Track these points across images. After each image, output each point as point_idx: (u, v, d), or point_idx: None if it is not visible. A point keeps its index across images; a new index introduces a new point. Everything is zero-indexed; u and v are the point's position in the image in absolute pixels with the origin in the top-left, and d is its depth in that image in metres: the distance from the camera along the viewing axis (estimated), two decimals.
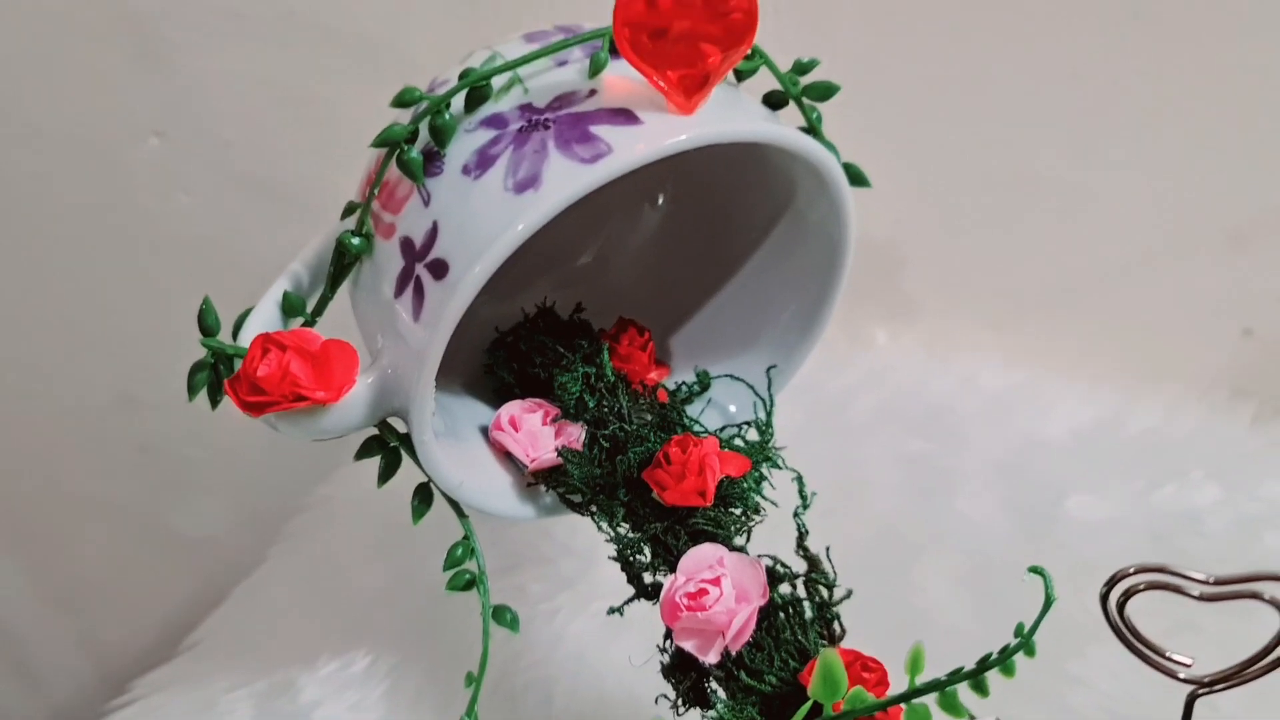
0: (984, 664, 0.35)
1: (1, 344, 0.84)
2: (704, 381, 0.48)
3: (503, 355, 0.48)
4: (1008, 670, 0.36)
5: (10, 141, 0.76)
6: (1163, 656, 0.33)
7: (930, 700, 0.35)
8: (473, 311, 0.41)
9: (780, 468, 0.44)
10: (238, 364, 0.37)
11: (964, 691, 0.35)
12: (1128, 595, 0.32)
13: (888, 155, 0.65)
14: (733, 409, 0.48)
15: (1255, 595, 0.32)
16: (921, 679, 0.34)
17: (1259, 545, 0.56)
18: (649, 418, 0.45)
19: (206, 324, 0.38)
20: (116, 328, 0.82)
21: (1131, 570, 0.32)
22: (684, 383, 0.48)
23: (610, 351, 0.47)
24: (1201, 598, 0.32)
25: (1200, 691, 0.33)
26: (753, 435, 0.46)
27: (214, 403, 0.40)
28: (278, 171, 0.72)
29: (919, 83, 0.65)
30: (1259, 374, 0.66)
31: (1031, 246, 0.67)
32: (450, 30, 0.66)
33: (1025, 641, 0.35)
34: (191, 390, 0.39)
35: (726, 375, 0.48)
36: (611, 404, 0.45)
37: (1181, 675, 0.33)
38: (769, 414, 0.47)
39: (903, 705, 0.35)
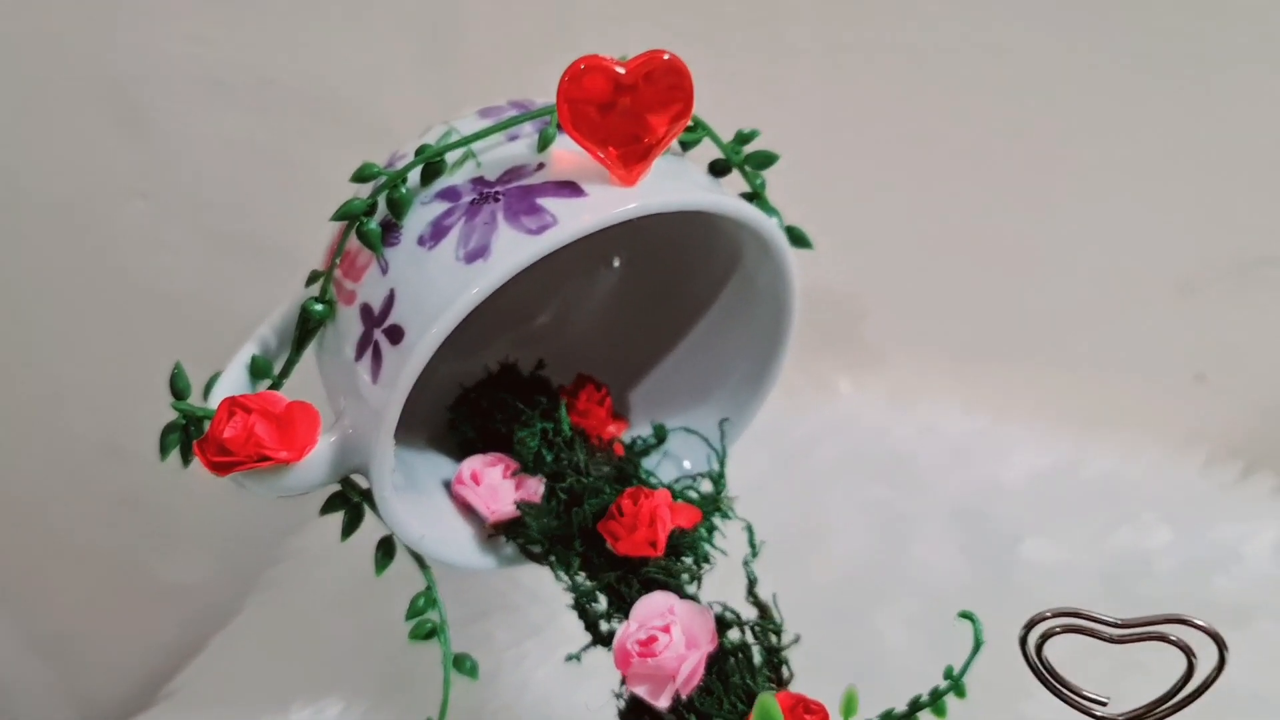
0: (915, 705, 0.37)
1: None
2: (660, 435, 0.50)
3: (466, 411, 0.50)
4: (939, 710, 0.37)
5: (1, 204, 0.78)
6: (1080, 696, 0.35)
7: None
8: (436, 369, 0.43)
9: (731, 518, 0.46)
10: (207, 425, 0.39)
11: None
12: (1045, 638, 0.34)
13: (851, 212, 0.67)
14: (687, 464, 0.50)
15: (1162, 637, 0.34)
16: None
17: (1207, 587, 0.58)
18: (606, 470, 0.47)
19: (178, 388, 0.40)
20: (102, 380, 0.84)
21: (1048, 614, 0.34)
22: (640, 436, 0.50)
23: (568, 407, 0.49)
24: (1113, 640, 0.34)
25: None
26: (707, 486, 0.48)
27: (185, 461, 0.41)
28: (257, 230, 0.74)
29: (879, 143, 0.67)
30: (1211, 418, 0.68)
31: (989, 298, 0.69)
32: (420, 95, 0.68)
33: (955, 683, 0.37)
34: (164, 450, 0.41)
35: (682, 429, 0.50)
36: (569, 457, 0.47)
37: (1098, 713, 0.34)
38: (722, 465, 0.49)
39: None
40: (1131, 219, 0.66)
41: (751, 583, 0.44)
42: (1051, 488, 0.63)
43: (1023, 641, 0.34)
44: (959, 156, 0.66)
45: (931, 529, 0.61)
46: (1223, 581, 0.58)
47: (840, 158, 0.67)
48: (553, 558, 0.45)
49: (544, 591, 0.57)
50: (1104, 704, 0.35)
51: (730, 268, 0.47)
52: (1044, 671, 0.34)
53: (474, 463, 0.47)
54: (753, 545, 0.45)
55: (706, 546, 0.45)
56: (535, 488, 0.46)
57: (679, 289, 0.50)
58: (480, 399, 0.50)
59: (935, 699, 0.37)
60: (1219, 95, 0.62)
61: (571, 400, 0.49)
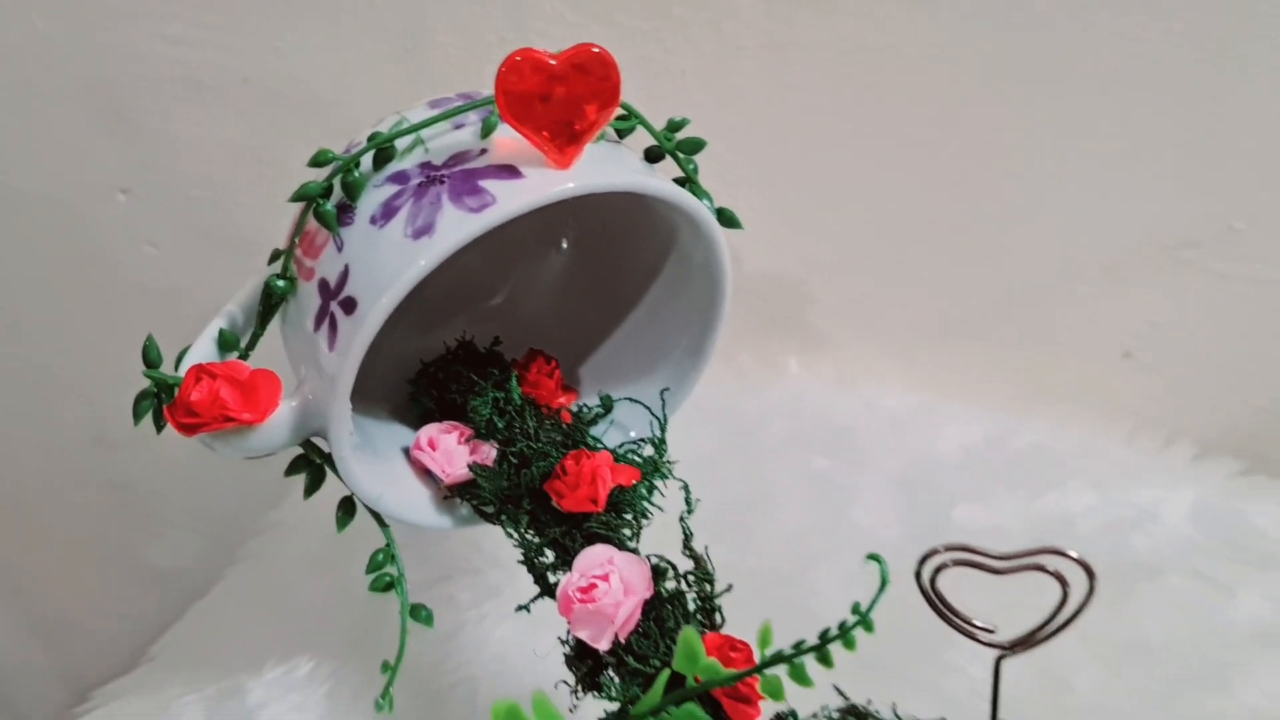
0: (824, 638, 0.41)
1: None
2: (606, 405, 0.54)
3: (424, 384, 0.54)
4: (848, 643, 0.41)
5: None
6: (970, 624, 0.38)
7: (782, 671, 0.41)
8: (398, 347, 0.47)
9: (669, 478, 0.50)
10: (177, 391, 0.43)
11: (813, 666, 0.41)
12: (938, 571, 0.38)
13: (798, 203, 0.71)
14: (633, 432, 0.54)
15: (1039, 567, 0.37)
16: None
17: (1125, 545, 0.62)
18: (556, 437, 0.51)
19: (149, 358, 0.44)
20: (89, 372, 0.87)
21: (940, 549, 0.37)
22: (588, 406, 0.54)
23: (520, 379, 0.52)
24: (997, 571, 0.37)
25: (1003, 656, 0.39)
26: (649, 451, 0.52)
27: (158, 428, 0.45)
28: (235, 223, 0.78)
29: (824, 138, 0.71)
30: (1137, 393, 0.71)
31: (927, 282, 0.72)
32: (388, 93, 0.72)
33: (863, 619, 0.41)
34: (136, 416, 0.44)
35: (627, 399, 0.54)
36: (520, 424, 0.51)
37: (985, 639, 0.38)
38: (663, 431, 0.52)
39: (758, 676, 0.41)
40: (1061, 206, 0.69)
41: (687, 537, 0.48)
42: (984, 458, 0.67)
43: (917, 575, 0.38)
44: (898, 149, 0.70)
45: (871, 497, 0.65)
46: (1140, 540, 0.62)
47: (788, 152, 0.70)
48: (503, 517, 0.49)
49: (503, 556, 0.61)
50: (991, 631, 0.38)
51: (667, 248, 0.51)
52: (937, 602, 0.38)
53: (431, 430, 0.51)
54: (688, 503, 0.48)
55: (645, 504, 0.48)
56: (488, 452, 0.50)
57: (623, 269, 0.54)
58: (438, 372, 0.53)
59: (844, 633, 0.41)
60: (1140, 89, 0.66)
61: (523, 372, 0.53)
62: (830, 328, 0.74)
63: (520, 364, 0.54)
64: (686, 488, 0.49)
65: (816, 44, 0.67)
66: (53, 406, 0.90)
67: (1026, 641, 0.38)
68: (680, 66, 0.68)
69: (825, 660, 0.41)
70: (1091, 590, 0.37)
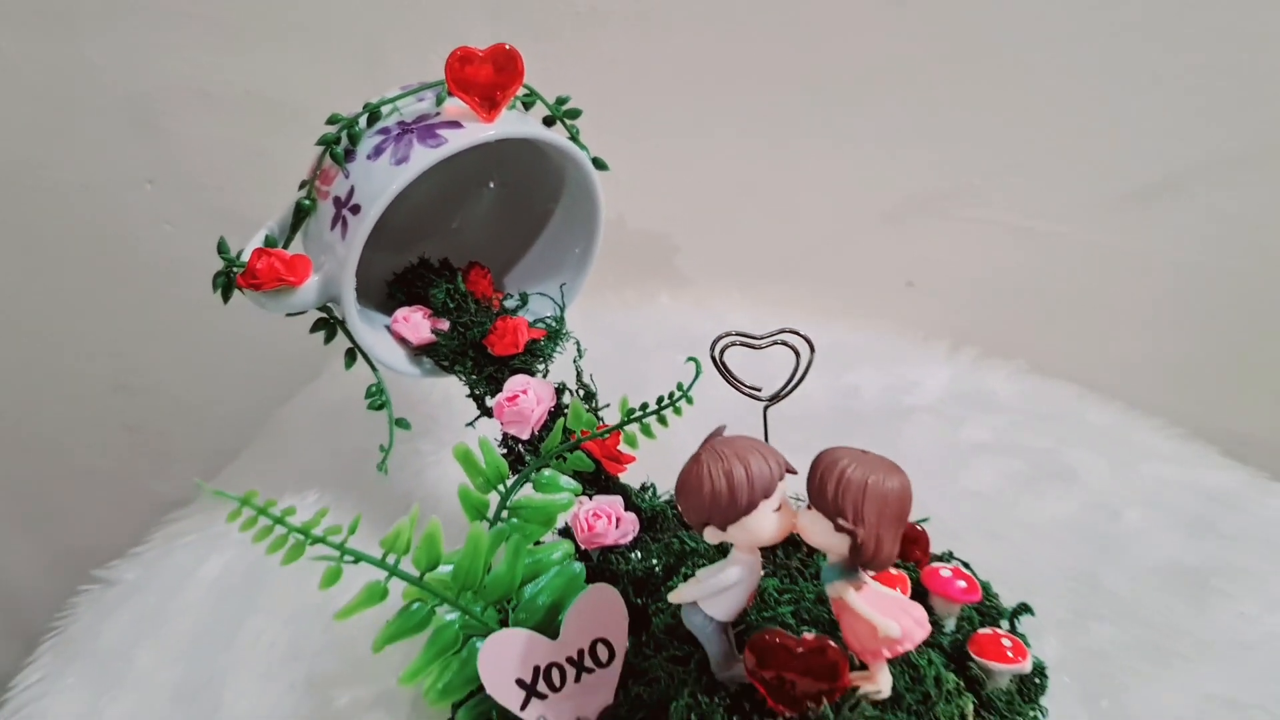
0: (660, 404, 0.65)
1: (18, 343, 1.10)
2: (524, 298, 0.78)
3: (399, 285, 0.77)
4: (677, 410, 0.65)
5: (37, 189, 1.04)
6: (745, 385, 0.63)
7: (635, 429, 0.65)
8: (380, 264, 0.70)
9: (567, 337, 0.74)
10: (237, 272, 0.66)
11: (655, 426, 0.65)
12: (724, 350, 0.62)
13: (664, 172, 0.96)
14: (546, 315, 0.78)
15: (783, 343, 0.62)
16: None
17: (897, 401, 0.87)
18: (490, 313, 0.75)
19: (222, 249, 0.67)
20: (112, 330, 1.09)
21: (723, 335, 0.61)
22: (511, 295, 0.78)
23: (464, 279, 0.77)
24: (757, 347, 0.61)
25: (767, 406, 0.63)
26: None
27: (226, 299, 0.68)
28: (238, 206, 1.00)
29: (684, 119, 0.96)
30: (917, 311, 0.97)
31: (758, 231, 0.98)
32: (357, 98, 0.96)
33: (684, 393, 0.65)
34: (215, 286, 0.67)
35: (539, 292, 0.78)
36: (464, 306, 0.75)
37: (749, 392, 0.62)
38: (562, 311, 0.77)
39: (620, 432, 0.65)
40: (849, 168, 0.95)
41: (579, 371, 0.72)
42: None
43: (711, 352, 0.62)
44: (737, 128, 0.96)
45: (718, 380, 0.90)
46: (907, 398, 0.87)
47: (655, 132, 0.96)
48: (455, 366, 0.73)
49: (455, 424, 0.84)
50: (758, 390, 0.63)
51: (561, 185, 0.76)
52: (726, 372, 0.62)
53: (404, 310, 0.74)
54: (580, 351, 0.73)
55: (550, 350, 0.73)
56: (444, 324, 0.74)
57: (533, 202, 0.78)
58: (409, 276, 0.77)
59: (673, 402, 0.65)
60: (899, 80, 0.92)
61: (465, 275, 0.77)
62: (690, 269, 0.99)
63: (464, 270, 0.78)
64: (579, 342, 0.74)
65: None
66: (80, 359, 1.11)
67: (777, 396, 0.63)
68: (569, 68, 0.93)
69: (662, 421, 0.65)
70: (812, 356, 0.62)
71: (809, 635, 0.48)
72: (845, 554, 0.48)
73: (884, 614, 0.48)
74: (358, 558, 0.51)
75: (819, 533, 0.48)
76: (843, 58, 0.92)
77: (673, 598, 0.51)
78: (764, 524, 0.49)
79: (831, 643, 0.48)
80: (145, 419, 1.13)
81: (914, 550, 0.64)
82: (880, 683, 0.49)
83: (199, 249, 1.03)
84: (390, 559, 0.52)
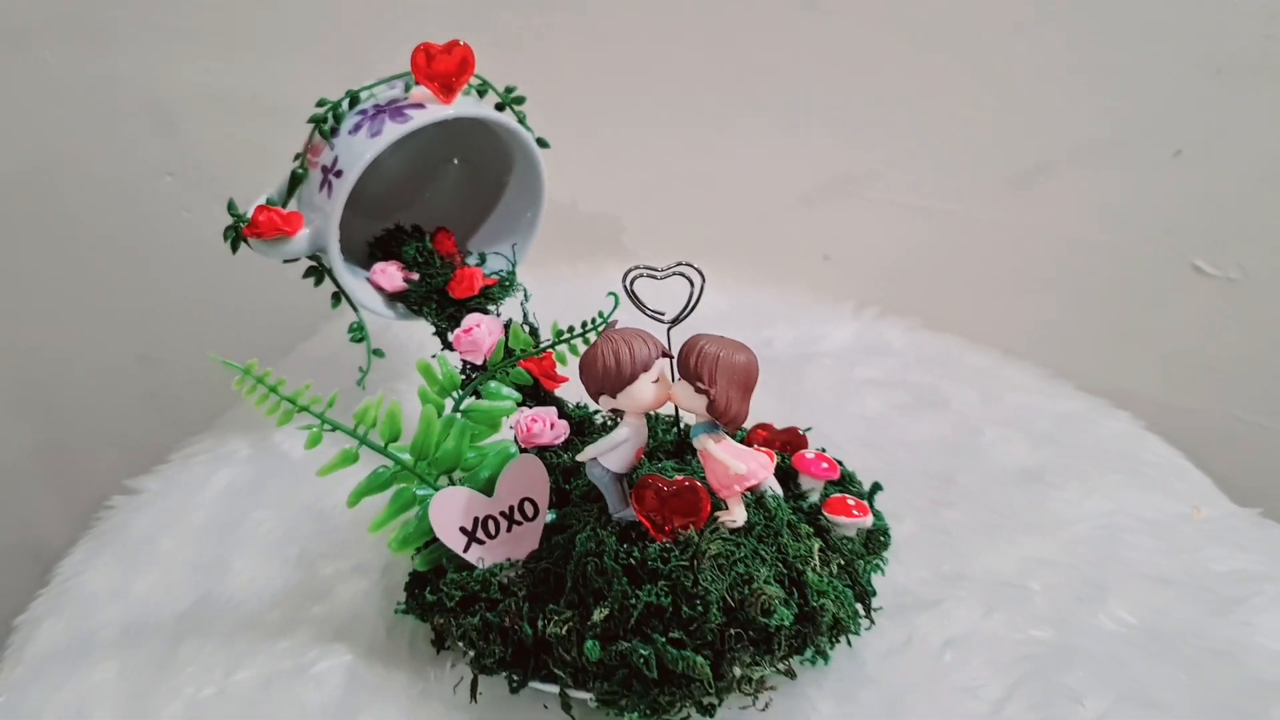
0: (584, 328, 0.80)
1: (50, 320, 1.26)
2: (482, 258, 0.94)
3: (377, 246, 0.93)
4: (597, 330, 0.80)
5: (72, 179, 1.20)
6: (649, 310, 0.78)
7: (565, 349, 0.80)
8: (360, 230, 0.86)
9: (516, 288, 0.90)
10: (242, 227, 0.82)
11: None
12: (634, 280, 0.77)
13: (611, 163, 1.12)
14: (500, 269, 0.93)
15: (681, 274, 0.77)
16: None
17: (805, 351, 1.02)
18: (452, 267, 0.90)
19: (232, 207, 0.83)
20: (136, 306, 1.25)
21: (634, 267, 0.76)
22: (471, 253, 0.93)
23: (431, 240, 0.92)
24: (661, 277, 0.76)
25: (670, 327, 0.78)
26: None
27: (234, 249, 0.84)
28: (245, 195, 1.17)
29: (627, 116, 1.12)
30: (830, 281, 1.13)
31: (692, 211, 1.14)
32: None
33: (605, 319, 0.80)
34: (225, 238, 0.83)
35: (495, 252, 0.94)
36: (431, 261, 0.90)
37: (658, 318, 0.77)
38: (514, 267, 0.92)
39: (551, 351, 0.80)
40: (767, 154, 1.11)
41: (525, 312, 0.87)
42: (727, 314, 1.07)
43: (623, 282, 0.77)
44: (672, 120, 1.11)
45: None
46: (813, 348, 1.02)
47: (602, 124, 1.11)
48: (423, 309, 0.88)
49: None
50: (662, 313, 0.77)
51: (512, 162, 0.91)
52: (634, 299, 0.77)
53: (381, 264, 0.90)
54: (526, 296, 0.88)
55: (501, 296, 0.88)
56: (415, 276, 0.89)
57: (488, 175, 0.94)
58: (386, 239, 0.93)
59: (595, 326, 0.80)
60: (805, 77, 1.08)
61: (433, 237, 0.93)
62: (633, 244, 1.15)
63: (432, 234, 0.93)
64: (526, 290, 0.89)
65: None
66: (105, 332, 1.27)
67: (676, 319, 0.77)
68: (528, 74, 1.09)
69: (586, 340, 0.80)
70: (704, 285, 0.76)
71: (680, 478, 0.63)
72: (705, 412, 0.63)
73: (736, 459, 0.63)
74: (334, 426, 0.66)
75: (685, 396, 0.63)
76: (764, 59, 1.07)
77: (579, 456, 0.66)
78: (645, 392, 0.63)
79: (697, 483, 0.63)
80: (161, 387, 1.28)
81: (791, 448, 0.78)
82: (736, 515, 0.64)
83: (211, 231, 1.19)
84: (360, 430, 0.67)
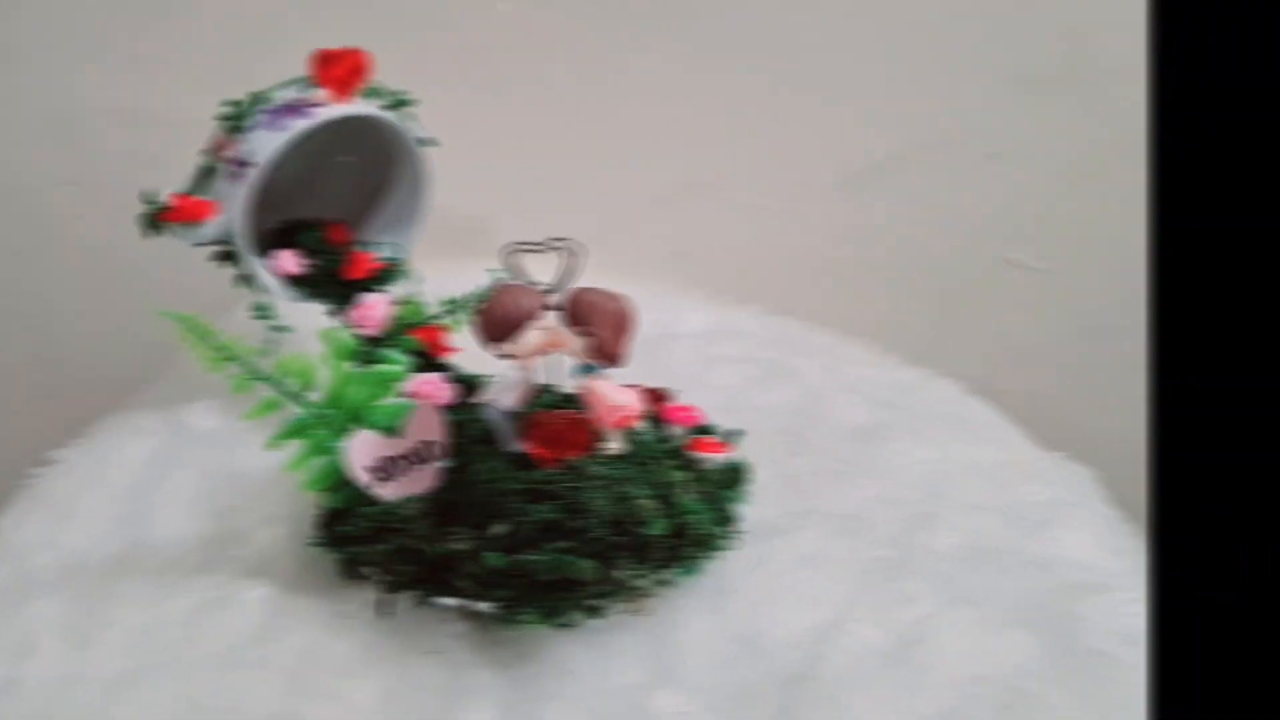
0: (452, 305, 0.90)
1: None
2: (374, 247, 1.03)
3: (279, 236, 1.01)
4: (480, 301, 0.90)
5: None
6: (531, 281, 0.88)
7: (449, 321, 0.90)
8: (264, 222, 0.95)
9: (405, 274, 0.99)
10: (159, 212, 0.89)
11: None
12: (514, 253, 0.86)
13: (485, 172, 1.22)
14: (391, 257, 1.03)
15: (555, 248, 0.87)
16: None
17: (665, 333, 1.14)
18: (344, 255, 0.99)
19: (148, 195, 0.91)
20: (40, 305, 1.30)
21: (511, 244, 0.86)
22: (364, 243, 1.02)
23: (326, 230, 1.01)
24: (537, 252, 0.86)
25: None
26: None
27: (146, 235, 0.91)
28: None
29: (500, 128, 1.22)
30: (684, 274, 1.24)
31: (561, 215, 1.23)
32: None
33: (480, 296, 0.90)
34: (142, 224, 0.90)
35: (384, 242, 1.03)
36: (327, 250, 0.99)
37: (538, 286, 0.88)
38: (401, 251, 1.01)
39: (439, 324, 0.89)
40: (627, 160, 1.23)
41: (415, 294, 0.97)
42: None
43: (501, 255, 0.86)
44: (536, 132, 1.22)
45: None
46: (673, 329, 1.14)
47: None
48: (320, 291, 0.97)
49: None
50: (544, 285, 0.88)
51: (401, 159, 1.01)
52: (514, 271, 0.87)
53: (279, 252, 0.98)
54: (418, 280, 0.98)
55: (390, 278, 0.97)
56: (309, 262, 0.98)
57: (379, 170, 1.03)
58: (287, 229, 1.01)
59: (464, 303, 0.89)
60: (676, 76, 1.20)
61: (329, 228, 1.01)
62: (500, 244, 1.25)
63: (328, 224, 1.02)
64: (420, 273, 0.99)
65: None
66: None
67: (557, 287, 0.88)
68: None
69: (465, 312, 0.90)
70: (578, 259, 0.87)
71: (566, 412, 0.73)
72: (589, 354, 0.73)
73: (614, 395, 0.74)
74: (257, 376, 0.74)
75: (570, 340, 0.73)
76: (617, 75, 1.19)
77: (480, 398, 0.76)
78: (530, 339, 0.74)
79: (582, 416, 0.73)
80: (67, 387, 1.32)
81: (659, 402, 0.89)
82: (616, 447, 0.75)
83: (113, 236, 1.26)
84: (286, 383, 0.75)
